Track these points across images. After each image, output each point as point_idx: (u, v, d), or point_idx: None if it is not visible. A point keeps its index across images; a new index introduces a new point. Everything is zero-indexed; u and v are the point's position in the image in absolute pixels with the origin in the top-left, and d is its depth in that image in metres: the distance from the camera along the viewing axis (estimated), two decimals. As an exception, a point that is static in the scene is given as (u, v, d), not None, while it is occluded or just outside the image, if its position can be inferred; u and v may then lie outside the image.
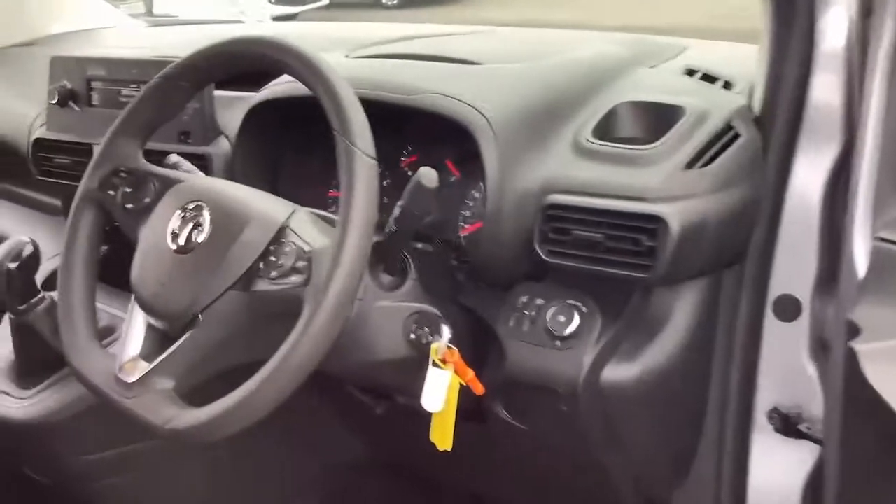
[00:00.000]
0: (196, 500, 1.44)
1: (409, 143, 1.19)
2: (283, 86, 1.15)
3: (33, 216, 1.61)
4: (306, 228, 0.88)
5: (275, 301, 0.85)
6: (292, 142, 1.24)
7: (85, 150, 1.33)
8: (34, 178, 1.45)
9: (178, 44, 1.58)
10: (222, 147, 1.23)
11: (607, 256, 0.94)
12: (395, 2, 10.36)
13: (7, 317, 1.20)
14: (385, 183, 1.20)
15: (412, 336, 0.95)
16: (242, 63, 0.95)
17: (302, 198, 0.97)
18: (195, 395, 0.87)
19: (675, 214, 0.91)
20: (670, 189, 0.93)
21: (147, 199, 0.97)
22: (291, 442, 1.45)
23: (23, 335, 1.20)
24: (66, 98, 1.33)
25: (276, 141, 1.23)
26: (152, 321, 0.92)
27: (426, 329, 0.95)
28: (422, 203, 0.92)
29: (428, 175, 0.90)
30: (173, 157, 1.07)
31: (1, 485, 1.38)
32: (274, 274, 0.84)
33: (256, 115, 1.18)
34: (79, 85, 1.33)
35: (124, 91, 1.29)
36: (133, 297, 0.95)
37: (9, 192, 1.77)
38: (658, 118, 1.01)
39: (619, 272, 0.94)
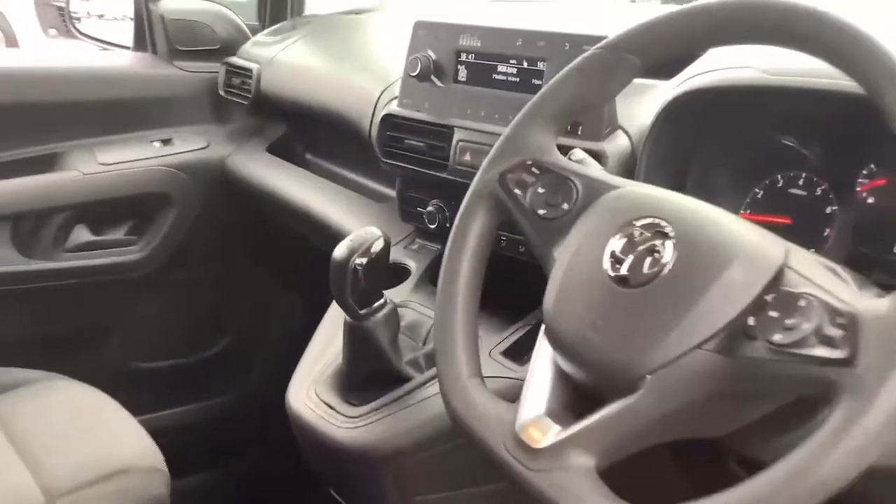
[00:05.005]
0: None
1: (872, 160, 0.88)
2: (725, 73, 0.88)
3: (359, 202, 1.46)
4: (822, 276, 0.60)
5: (775, 377, 0.58)
6: (703, 146, 0.96)
7: (444, 133, 1.13)
8: (366, 160, 1.28)
9: (551, 18, 1.36)
10: (620, 144, 0.97)
11: None
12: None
13: (344, 321, 1.03)
14: (829, 210, 0.90)
15: None
16: (738, 32, 0.67)
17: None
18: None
19: None
20: None
21: (566, 206, 0.74)
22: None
23: (357, 343, 1.03)
24: (427, 71, 1.14)
25: (687, 143, 0.96)
26: (568, 368, 0.69)
27: None
28: None
29: None
30: (579, 153, 0.84)
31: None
32: (779, 338, 0.57)
33: (677, 108, 0.91)
34: (445, 56, 1.13)
35: (501, 67, 1.07)
36: (541, 332, 0.72)
37: (333, 173, 1.66)
38: None
39: None
